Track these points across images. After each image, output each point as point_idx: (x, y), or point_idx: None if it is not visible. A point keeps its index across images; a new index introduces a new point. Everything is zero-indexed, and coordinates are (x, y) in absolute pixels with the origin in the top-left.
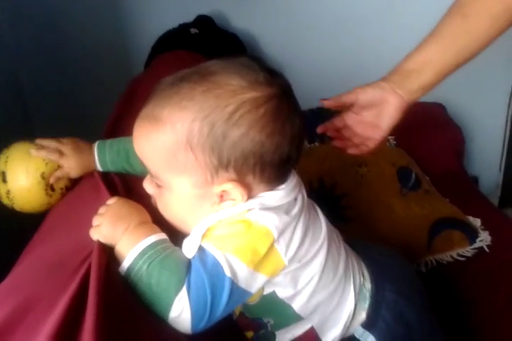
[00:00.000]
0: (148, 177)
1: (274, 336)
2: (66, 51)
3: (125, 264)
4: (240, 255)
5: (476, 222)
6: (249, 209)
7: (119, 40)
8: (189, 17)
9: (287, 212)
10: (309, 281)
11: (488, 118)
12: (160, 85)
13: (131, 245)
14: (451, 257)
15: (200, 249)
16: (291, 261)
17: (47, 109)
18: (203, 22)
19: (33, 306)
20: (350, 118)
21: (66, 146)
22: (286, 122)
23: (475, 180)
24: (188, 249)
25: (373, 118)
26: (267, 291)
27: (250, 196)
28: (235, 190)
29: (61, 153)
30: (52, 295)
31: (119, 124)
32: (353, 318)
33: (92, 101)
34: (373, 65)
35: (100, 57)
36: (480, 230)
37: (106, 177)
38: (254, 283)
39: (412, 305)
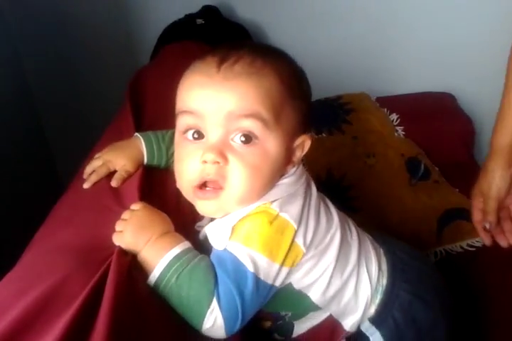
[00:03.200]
0: (218, 146)
1: (292, 326)
2: (71, 42)
3: (153, 278)
4: (264, 251)
5: None
6: (273, 201)
7: (125, 31)
8: (195, 7)
9: (301, 196)
10: (325, 270)
11: (498, 109)
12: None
13: (156, 257)
14: (461, 247)
15: (223, 250)
16: (309, 248)
17: (53, 99)
18: (209, 12)
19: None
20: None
21: (104, 153)
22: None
23: None
24: (217, 240)
25: None
26: (283, 283)
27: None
28: (307, 142)
29: (105, 164)
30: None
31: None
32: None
33: (98, 91)
34: (382, 53)
35: (106, 48)
36: None
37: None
38: (279, 277)
39: (429, 310)
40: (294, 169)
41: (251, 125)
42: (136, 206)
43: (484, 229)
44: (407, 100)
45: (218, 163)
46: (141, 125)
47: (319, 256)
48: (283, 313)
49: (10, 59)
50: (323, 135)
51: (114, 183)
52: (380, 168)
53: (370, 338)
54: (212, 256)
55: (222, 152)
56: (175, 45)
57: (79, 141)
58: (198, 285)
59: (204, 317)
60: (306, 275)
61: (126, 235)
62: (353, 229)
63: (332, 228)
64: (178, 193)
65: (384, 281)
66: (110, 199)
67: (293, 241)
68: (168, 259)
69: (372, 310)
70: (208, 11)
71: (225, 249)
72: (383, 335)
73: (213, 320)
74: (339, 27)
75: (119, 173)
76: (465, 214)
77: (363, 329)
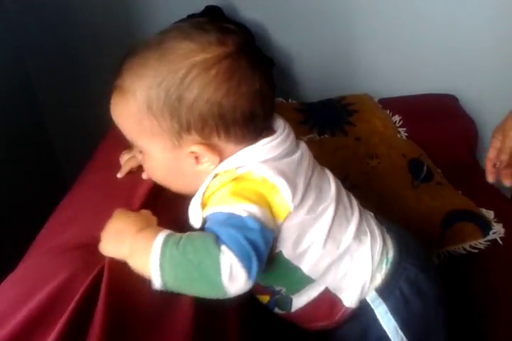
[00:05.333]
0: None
1: (290, 300)
2: (73, 41)
3: (153, 269)
4: (244, 199)
5: (489, 214)
6: (238, 167)
7: (128, 31)
8: (198, 8)
9: (285, 159)
10: (315, 241)
11: (500, 110)
12: (125, 56)
13: (146, 249)
14: (464, 249)
15: (206, 217)
16: (297, 208)
17: (57, 96)
18: (212, 12)
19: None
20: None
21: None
22: (242, 80)
23: None
24: (194, 219)
25: None
26: (276, 250)
27: (225, 155)
28: (203, 152)
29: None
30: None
31: None
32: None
33: (100, 91)
34: (385, 54)
35: (108, 48)
36: (493, 222)
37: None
38: (270, 220)
39: (434, 284)
40: (268, 139)
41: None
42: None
43: (494, 166)
44: (410, 101)
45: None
46: None
47: (309, 224)
48: (277, 288)
49: (12, 58)
50: (326, 136)
51: (144, 175)
52: (383, 169)
53: (375, 310)
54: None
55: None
56: None
57: (83, 140)
58: (200, 241)
59: (219, 264)
60: (295, 244)
61: (105, 244)
62: (355, 207)
63: (326, 200)
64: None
65: (391, 254)
66: (116, 201)
67: (274, 192)
68: (159, 243)
69: (378, 281)
70: (210, 11)
71: (206, 219)
72: (390, 308)
73: (229, 265)
74: (342, 28)
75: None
76: (468, 216)
77: (369, 300)
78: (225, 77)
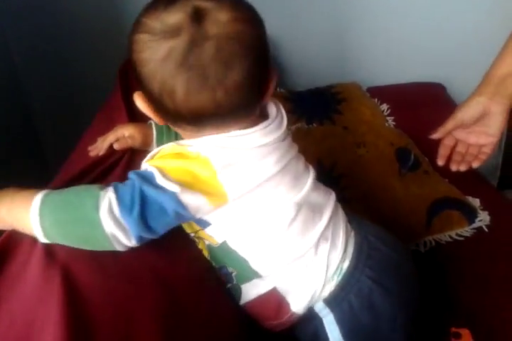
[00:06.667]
0: None
1: (240, 289)
2: (62, 38)
3: (33, 217)
4: (174, 173)
5: (475, 202)
6: (190, 146)
7: (117, 23)
8: None
9: (248, 151)
10: (266, 240)
11: None
12: None
13: (26, 204)
14: (450, 237)
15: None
16: (239, 201)
17: (46, 95)
18: None
19: None
20: (460, 134)
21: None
22: (177, 74)
23: None
24: None
25: (482, 127)
26: (220, 240)
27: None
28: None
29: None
30: None
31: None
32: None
33: (90, 86)
34: (373, 43)
35: (98, 39)
36: (479, 210)
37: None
38: (191, 201)
39: (390, 299)
40: (247, 131)
41: None
42: None
43: (448, 148)
44: (398, 90)
45: None
46: (134, 113)
47: (257, 221)
48: (230, 269)
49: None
50: (314, 125)
51: (116, 145)
52: (370, 157)
53: (323, 320)
54: None
55: None
56: None
57: (68, 129)
58: (84, 187)
59: (98, 199)
60: (241, 237)
61: None
62: (327, 212)
63: (286, 201)
64: None
65: (346, 264)
66: None
67: (212, 178)
68: (40, 196)
69: (327, 292)
70: None
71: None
72: (337, 318)
73: (108, 201)
74: (330, 17)
75: (125, 140)
76: (454, 204)
77: (316, 309)
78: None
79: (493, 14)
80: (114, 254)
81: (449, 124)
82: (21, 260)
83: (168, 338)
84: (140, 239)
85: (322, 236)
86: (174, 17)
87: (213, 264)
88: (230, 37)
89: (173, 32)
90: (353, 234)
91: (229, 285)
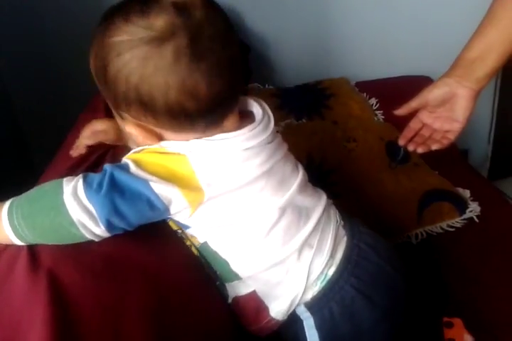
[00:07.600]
0: None
1: (225, 288)
2: (48, 39)
3: (3, 218)
4: (149, 166)
5: (466, 193)
6: (171, 147)
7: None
8: None
9: (221, 156)
10: (245, 243)
11: None
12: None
13: None
14: (441, 228)
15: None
16: (216, 201)
17: (32, 96)
18: None
19: None
20: (426, 117)
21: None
22: (157, 72)
23: (465, 153)
24: None
25: (448, 112)
26: (202, 240)
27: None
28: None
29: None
30: None
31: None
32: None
33: (76, 87)
34: (360, 37)
35: (85, 37)
36: (469, 201)
37: None
38: (164, 192)
39: (373, 310)
40: (221, 136)
41: None
42: None
43: (412, 131)
44: (386, 84)
45: None
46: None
47: (236, 223)
48: (214, 269)
49: None
50: (303, 121)
51: (72, 152)
52: (360, 152)
53: (304, 322)
54: None
55: None
56: None
57: (55, 130)
58: (46, 182)
59: (61, 184)
60: (221, 239)
61: None
62: (314, 217)
63: (268, 204)
64: None
65: (332, 270)
66: None
67: (189, 174)
68: (6, 204)
69: (309, 296)
70: None
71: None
72: (317, 324)
73: (72, 186)
74: (318, 13)
75: (97, 134)
76: (444, 195)
77: (297, 311)
78: (140, 65)
79: (479, 7)
80: (100, 253)
81: (414, 102)
82: (7, 263)
83: (158, 336)
84: (110, 225)
85: (306, 242)
86: (161, 19)
87: (202, 261)
88: (216, 15)
89: (168, 33)
90: (345, 239)
91: (217, 282)
